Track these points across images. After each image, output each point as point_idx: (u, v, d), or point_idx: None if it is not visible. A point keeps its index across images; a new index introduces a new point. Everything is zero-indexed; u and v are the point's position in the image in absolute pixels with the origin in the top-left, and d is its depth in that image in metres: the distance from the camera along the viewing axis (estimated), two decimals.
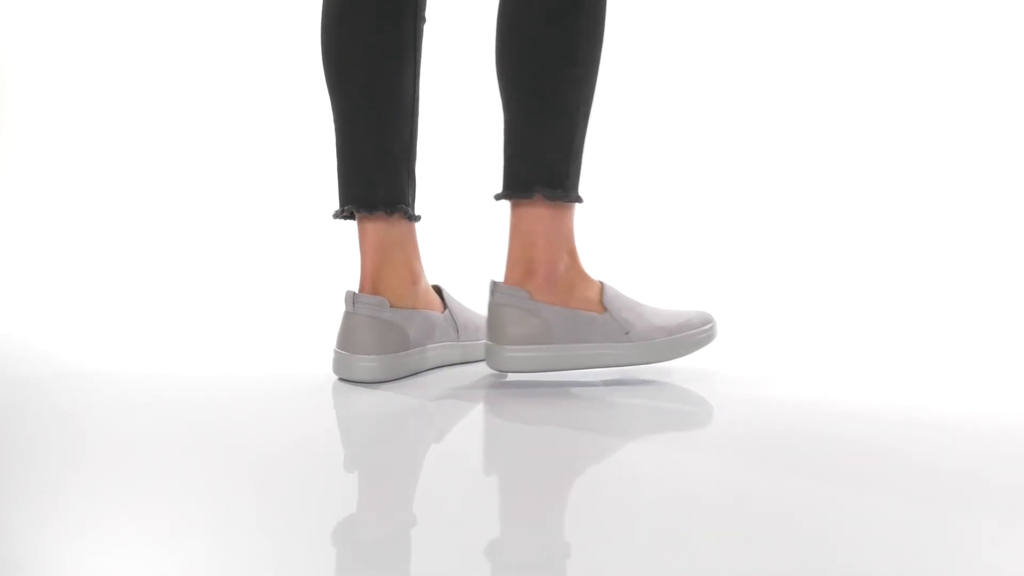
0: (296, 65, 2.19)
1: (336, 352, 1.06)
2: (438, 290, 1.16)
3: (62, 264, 2.25)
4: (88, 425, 0.89)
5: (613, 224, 2.23)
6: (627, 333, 1.04)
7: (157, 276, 2.12)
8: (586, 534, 0.61)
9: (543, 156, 1.02)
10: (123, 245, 2.36)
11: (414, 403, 0.98)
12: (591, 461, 0.80)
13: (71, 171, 2.58)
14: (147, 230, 2.42)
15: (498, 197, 1.05)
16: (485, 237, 1.09)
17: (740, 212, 2.26)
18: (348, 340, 1.04)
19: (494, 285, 1.03)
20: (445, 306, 1.15)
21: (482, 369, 1.13)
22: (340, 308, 1.06)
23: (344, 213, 1.10)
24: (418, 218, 1.12)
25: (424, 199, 1.16)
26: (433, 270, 1.17)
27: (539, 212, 1.03)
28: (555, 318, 1.02)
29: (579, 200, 1.04)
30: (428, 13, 1.11)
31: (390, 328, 1.05)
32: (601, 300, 1.05)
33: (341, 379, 1.06)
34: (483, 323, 1.18)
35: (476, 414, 0.94)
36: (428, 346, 1.10)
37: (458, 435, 0.89)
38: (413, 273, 1.10)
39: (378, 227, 1.08)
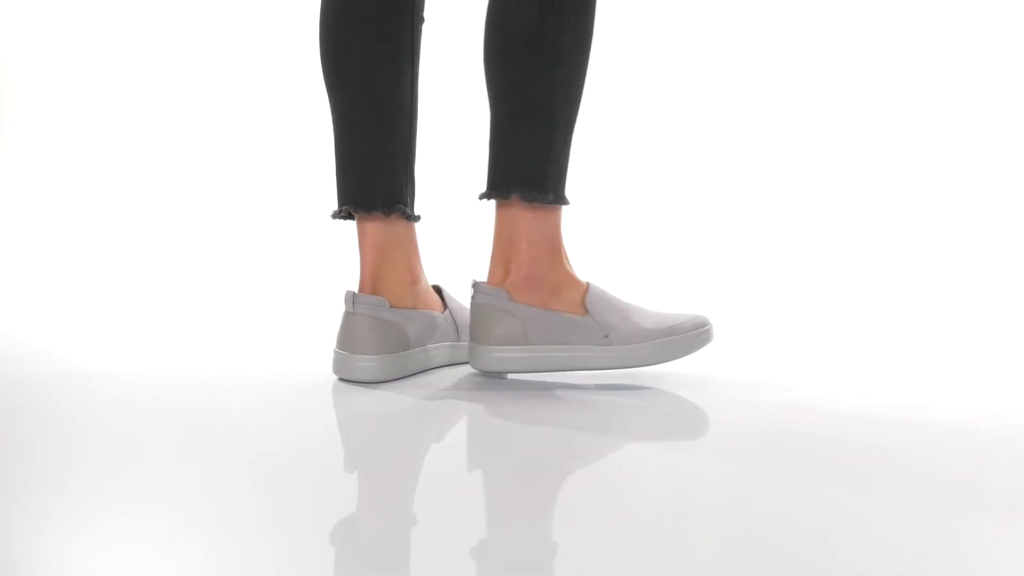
0: (295, 65, 2.19)
1: (336, 352, 1.06)
2: (438, 290, 1.16)
3: (62, 264, 2.25)
4: (88, 425, 0.89)
5: (611, 225, 2.23)
6: (607, 336, 1.03)
7: (157, 276, 2.12)
8: (586, 534, 0.61)
9: (520, 157, 1.02)
10: (123, 245, 2.36)
11: (414, 403, 0.98)
12: (591, 461, 0.80)
13: (71, 171, 2.58)
14: (147, 230, 2.42)
15: (480, 197, 1.05)
16: (485, 237, 1.09)
17: (738, 213, 2.26)
18: (348, 340, 1.04)
19: (476, 285, 1.04)
20: (445, 306, 1.15)
21: None
22: (340, 308, 1.06)
23: (342, 213, 1.10)
24: (417, 218, 1.12)
25: (424, 199, 1.16)
26: (433, 270, 1.17)
27: (519, 213, 1.03)
28: (532, 319, 1.02)
29: (560, 203, 1.04)
30: (427, 13, 1.11)
31: (390, 328, 1.05)
32: (584, 302, 1.04)
33: (341, 379, 1.06)
34: None
35: (476, 414, 0.94)
36: (428, 346, 1.10)
37: (458, 435, 0.89)
38: (413, 273, 1.10)
39: (376, 227, 1.08)
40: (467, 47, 1.17)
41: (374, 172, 1.08)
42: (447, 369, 1.13)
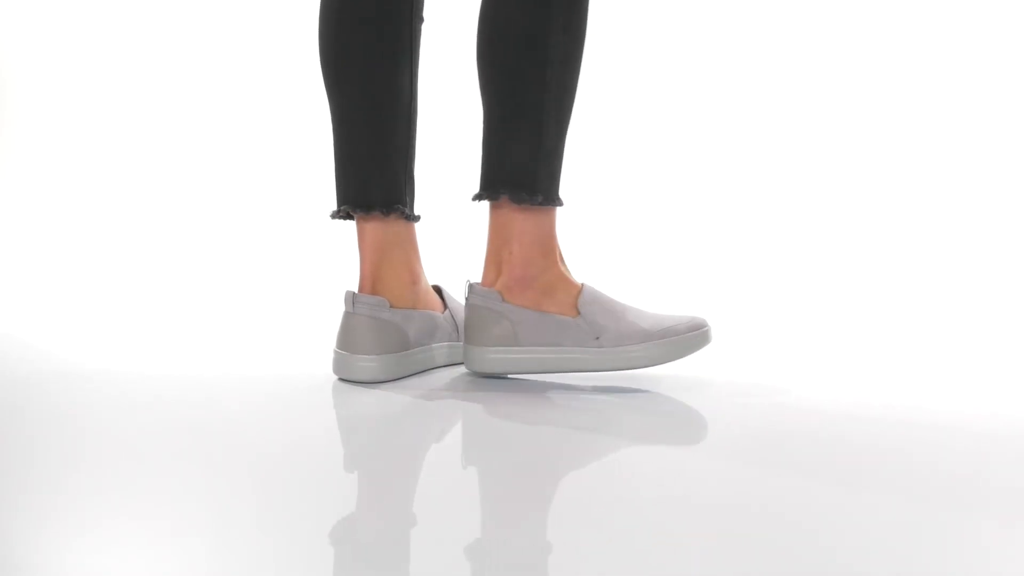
0: (294, 65, 2.19)
1: (336, 352, 1.06)
2: (438, 290, 1.16)
3: (62, 264, 2.25)
4: (88, 425, 0.89)
5: (610, 226, 2.23)
6: (597, 338, 1.03)
7: (157, 276, 2.12)
8: (586, 534, 0.61)
9: (508, 158, 1.02)
10: (123, 245, 2.36)
11: (414, 403, 0.98)
12: (590, 462, 0.80)
13: (71, 171, 2.58)
14: (147, 230, 2.42)
15: (473, 198, 1.05)
16: (484, 238, 1.09)
17: (737, 214, 2.26)
18: (348, 340, 1.04)
19: (470, 286, 1.04)
20: (445, 306, 1.15)
21: None
22: (340, 308, 1.07)
23: (341, 213, 1.10)
24: (417, 218, 1.12)
25: (424, 199, 1.16)
26: (433, 270, 1.17)
27: (511, 214, 1.03)
28: (523, 320, 1.02)
29: (551, 204, 1.03)
30: (426, 13, 1.11)
31: (390, 328, 1.05)
32: (576, 303, 1.04)
33: (341, 379, 1.06)
34: None
35: (476, 414, 0.94)
36: (428, 346, 1.10)
37: (457, 435, 0.89)
38: (412, 273, 1.10)
39: (375, 227, 1.08)
40: (466, 47, 1.17)
41: (373, 172, 1.08)
42: (447, 369, 1.13)
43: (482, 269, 1.06)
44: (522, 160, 1.02)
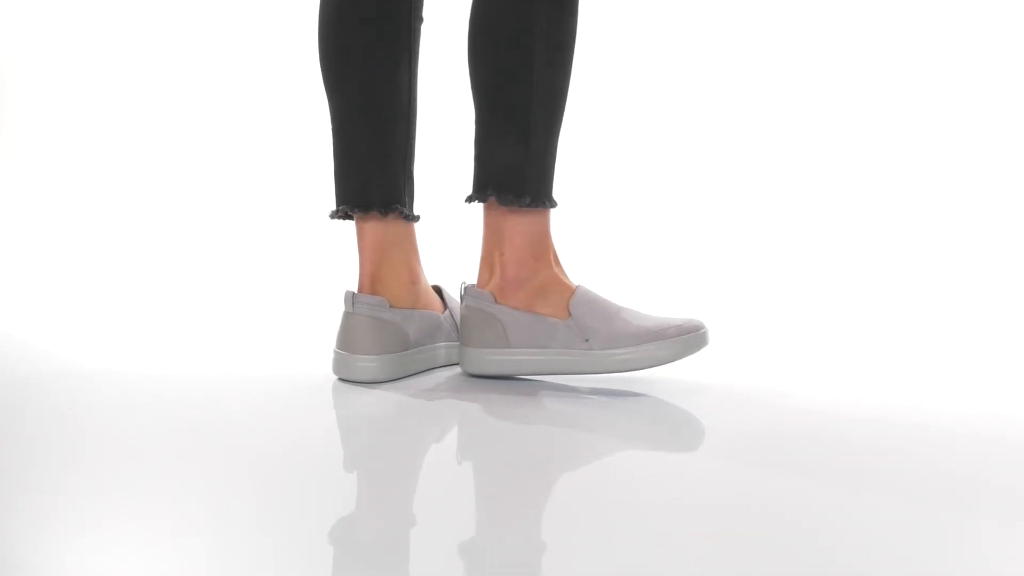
0: (294, 64, 2.19)
1: (336, 352, 1.06)
2: (438, 290, 1.16)
3: (62, 264, 2.25)
4: (88, 425, 0.89)
5: (607, 228, 2.23)
6: (587, 340, 1.02)
7: (157, 276, 2.12)
8: (585, 534, 0.61)
9: (496, 160, 1.02)
10: (123, 245, 2.36)
11: (414, 403, 0.98)
12: (590, 462, 0.80)
13: (71, 171, 2.58)
14: (147, 230, 2.42)
15: (466, 200, 1.05)
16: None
17: (735, 214, 2.26)
18: (348, 340, 1.04)
19: (464, 287, 1.04)
20: (445, 306, 1.15)
21: None
22: (340, 308, 1.07)
23: (339, 213, 1.10)
24: (417, 218, 1.12)
25: (423, 199, 1.16)
26: (432, 270, 1.17)
27: (501, 216, 1.03)
28: (513, 322, 1.02)
29: (540, 206, 1.02)
30: (425, 13, 1.11)
31: (389, 328, 1.05)
32: (568, 305, 1.04)
33: (341, 379, 1.06)
34: None
35: (476, 414, 0.94)
36: (428, 346, 1.10)
37: (457, 435, 0.89)
38: (412, 273, 1.10)
39: (375, 227, 1.08)
40: (466, 47, 1.17)
41: (372, 172, 1.08)
42: (446, 369, 1.13)
43: (477, 271, 1.06)
44: (509, 161, 1.01)
